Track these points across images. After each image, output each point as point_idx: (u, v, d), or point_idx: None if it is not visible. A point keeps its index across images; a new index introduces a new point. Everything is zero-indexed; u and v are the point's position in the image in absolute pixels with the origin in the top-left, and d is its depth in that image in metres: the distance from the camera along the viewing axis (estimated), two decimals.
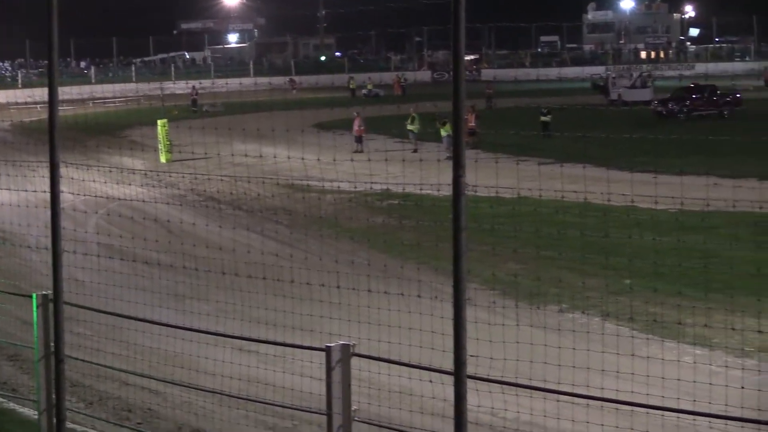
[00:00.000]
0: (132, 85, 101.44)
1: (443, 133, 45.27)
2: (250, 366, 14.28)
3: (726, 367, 15.64)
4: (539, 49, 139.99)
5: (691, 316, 17.84)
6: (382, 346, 12.20)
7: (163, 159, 47.33)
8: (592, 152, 40.76)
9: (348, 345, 9.90)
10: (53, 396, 11.47)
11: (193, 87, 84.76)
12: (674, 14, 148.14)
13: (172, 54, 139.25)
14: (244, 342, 14.77)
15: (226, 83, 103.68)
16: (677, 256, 22.86)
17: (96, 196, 27.96)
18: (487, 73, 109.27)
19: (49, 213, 10.65)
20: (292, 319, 15.11)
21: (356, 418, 9.99)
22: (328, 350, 9.81)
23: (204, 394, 14.28)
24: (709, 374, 14.69)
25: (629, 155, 39.74)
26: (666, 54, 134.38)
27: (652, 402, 10.79)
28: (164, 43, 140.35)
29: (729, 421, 10.67)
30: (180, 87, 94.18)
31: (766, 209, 26.03)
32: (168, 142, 47.80)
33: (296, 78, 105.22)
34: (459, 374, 7.65)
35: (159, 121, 48.93)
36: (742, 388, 11.99)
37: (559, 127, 50.53)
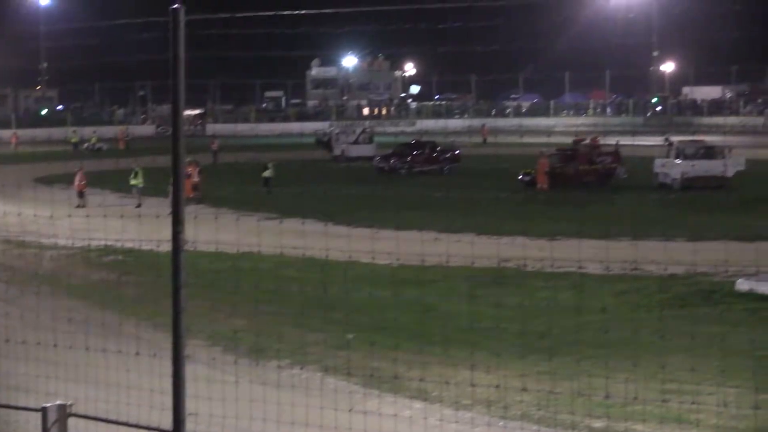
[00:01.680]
0: None
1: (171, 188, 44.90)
2: None
3: (441, 420, 16.04)
4: (264, 105, 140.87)
5: (409, 370, 18.25)
6: (100, 406, 12.04)
7: None
8: (314, 207, 41.30)
9: (64, 405, 9.74)
10: None
11: None
12: (396, 72, 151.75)
13: None
14: None
15: None
16: (396, 310, 23.40)
17: None
18: (212, 128, 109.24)
19: None
20: (8, 379, 14.74)
21: None
22: (44, 410, 9.63)
23: None
24: (426, 428, 15.06)
25: (351, 210, 40.49)
26: (388, 110, 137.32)
27: None
28: None
29: None
30: None
31: (480, 264, 27.08)
32: None
33: (17, 131, 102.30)
34: None
35: None
36: None
37: (282, 182, 50.99)
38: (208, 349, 20.92)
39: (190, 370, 7.89)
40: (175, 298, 7.53)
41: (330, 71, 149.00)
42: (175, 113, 7.58)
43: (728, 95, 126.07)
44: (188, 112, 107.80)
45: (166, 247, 7.84)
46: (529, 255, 30.38)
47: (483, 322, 22.35)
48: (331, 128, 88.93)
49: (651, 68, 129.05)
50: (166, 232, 7.55)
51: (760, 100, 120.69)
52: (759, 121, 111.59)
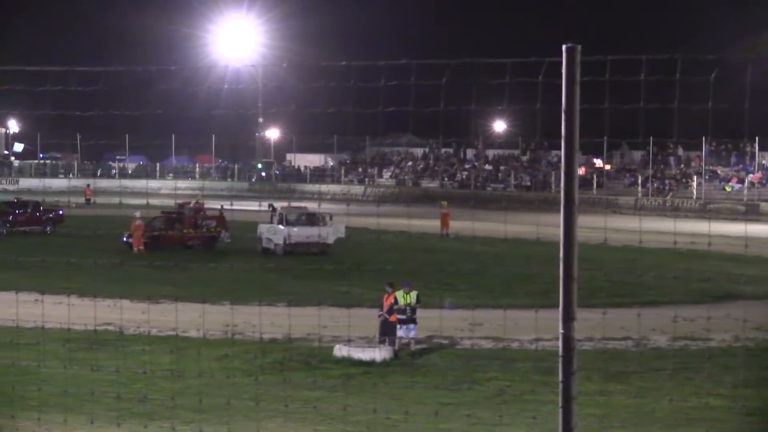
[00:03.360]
0: None
1: None
2: None
3: None
4: None
5: None
6: None
7: None
8: None
9: None
10: None
11: None
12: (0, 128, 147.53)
13: None
14: None
15: None
16: None
17: None
18: None
19: None
20: None
21: None
22: None
23: None
24: None
25: None
26: None
27: None
28: None
29: None
30: None
31: (78, 327, 26.53)
32: None
33: None
34: None
35: None
36: None
37: None
38: None
39: None
40: None
41: None
42: None
43: (330, 164, 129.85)
44: None
45: None
46: (129, 318, 30.13)
47: (80, 387, 21.87)
48: None
49: (257, 134, 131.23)
50: None
51: (360, 169, 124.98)
52: (359, 189, 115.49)
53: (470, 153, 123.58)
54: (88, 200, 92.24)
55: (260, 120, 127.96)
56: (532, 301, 34.18)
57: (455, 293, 37.53)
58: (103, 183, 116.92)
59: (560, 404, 8.76)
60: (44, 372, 23.60)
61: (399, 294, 28.03)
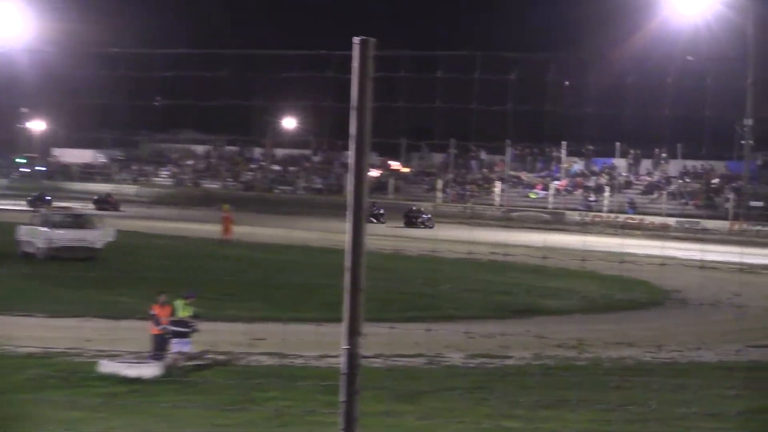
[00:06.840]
0: None
1: None
2: None
3: None
4: None
5: None
6: None
7: None
8: None
9: None
10: None
11: None
12: None
13: None
14: None
15: None
16: None
17: None
18: None
19: None
20: None
21: None
22: None
23: None
24: None
25: None
26: None
27: None
28: None
29: None
30: None
31: None
32: None
33: None
34: None
35: None
36: None
37: None
38: None
39: None
40: None
41: None
42: None
43: (101, 160, 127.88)
44: None
45: None
46: None
47: None
48: None
49: (18, 126, 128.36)
50: None
51: (134, 167, 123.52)
52: (133, 189, 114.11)
53: (257, 152, 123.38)
54: None
55: (23, 110, 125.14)
56: (319, 314, 34.26)
57: (237, 304, 37.38)
58: None
59: (342, 426, 8.80)
60: None
61: (178, 304, 27.50)
